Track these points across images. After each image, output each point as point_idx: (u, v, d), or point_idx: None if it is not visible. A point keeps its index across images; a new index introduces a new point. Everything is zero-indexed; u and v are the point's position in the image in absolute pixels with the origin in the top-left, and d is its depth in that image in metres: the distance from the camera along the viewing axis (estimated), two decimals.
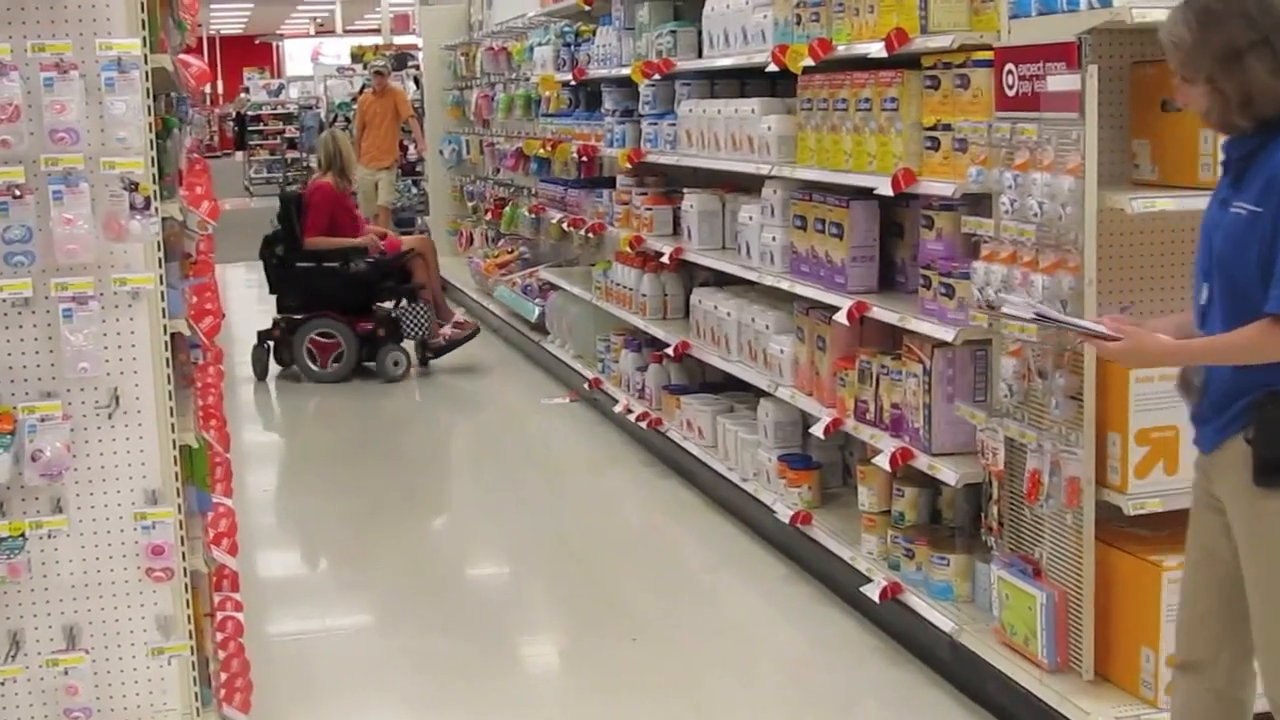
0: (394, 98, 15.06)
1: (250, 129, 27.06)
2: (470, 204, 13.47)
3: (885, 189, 4.55)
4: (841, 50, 4.89)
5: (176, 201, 3.92)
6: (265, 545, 6.23)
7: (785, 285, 5.48)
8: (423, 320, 9.58)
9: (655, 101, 7.01)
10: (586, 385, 8.19)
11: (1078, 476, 3.83)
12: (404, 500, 6.99)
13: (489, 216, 12.30)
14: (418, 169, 16.13)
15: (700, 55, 6.40)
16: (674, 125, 6.66)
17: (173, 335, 3.77)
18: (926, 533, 4.75)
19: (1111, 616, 3.90)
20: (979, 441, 4.20)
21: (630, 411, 7.37)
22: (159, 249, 3.67)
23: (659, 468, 7.07)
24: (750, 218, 5.87)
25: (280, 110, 26.57)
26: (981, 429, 4.18)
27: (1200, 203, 3.20)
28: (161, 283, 3.68)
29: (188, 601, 3.79)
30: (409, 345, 9.59)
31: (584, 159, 8.33)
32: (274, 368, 9.61)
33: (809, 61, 5.03)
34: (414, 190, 16.11)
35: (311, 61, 32.55)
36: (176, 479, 3.75)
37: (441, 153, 14.40)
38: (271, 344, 9.51)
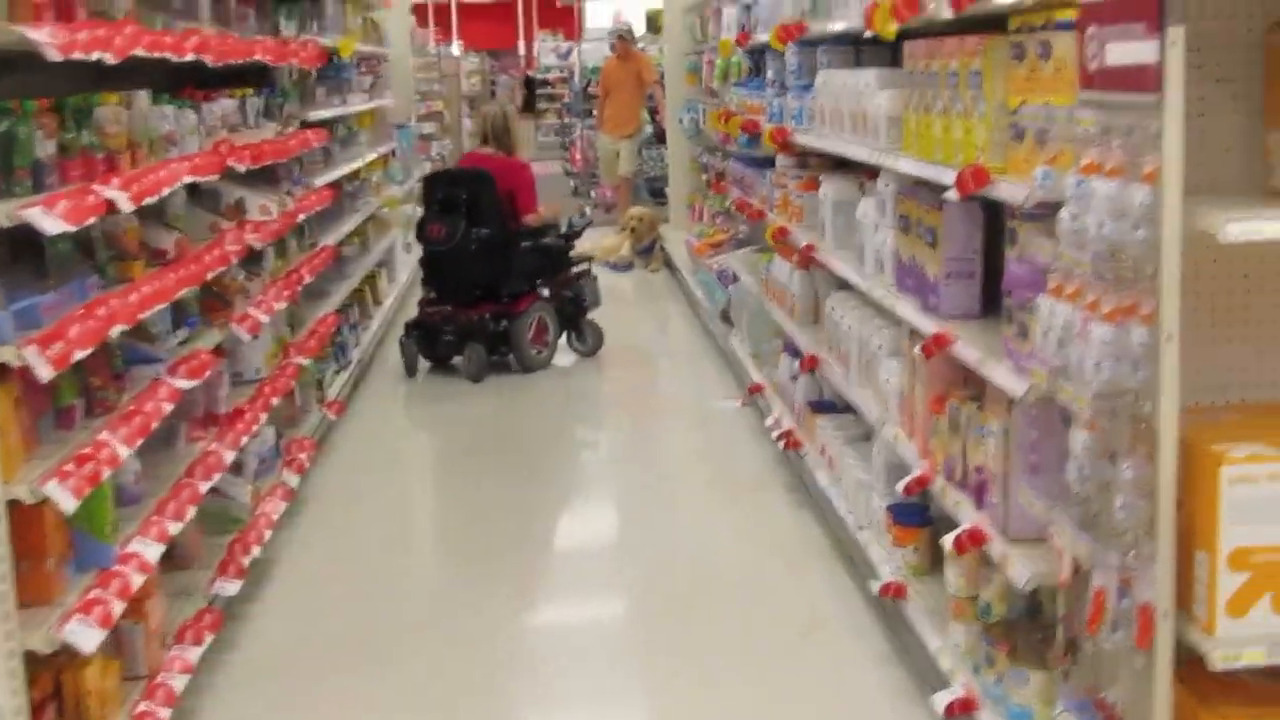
0: (637, 64, 14.33)
1: (540, 93, 26.83)
2: (704, 177, 12.62)
3: (952, 190, 3.49)
4: (930, 9, 3.82)
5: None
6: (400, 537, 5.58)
7: (889, 301, 4.45)
8: (597, 292, 9.03)
9: (800, 71, 6.00)
10: (748, 390, 7.27)
11: (1151, 605, 2.73)
12: (523, 506, 6.28)
13: (711, 191, 11.43)
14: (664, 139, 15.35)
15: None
16: (812, 100, 5.65)
17: None
18: (1015, 634, 3.67)
19: None
20: (1049, 537, 3.13)
21: (778, 426, 6.43)
22: None
23: (799, 495, 6.10)
24: (865, 214, 4.84)
25: (568, 74, 26.22)
26: (1048, 522, 3.11)
27: None
28: None
29: (14, 691, 3.10)
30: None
31: (749, 135, 7.35)
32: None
33: (894, 24, 3.98)
34: (661, 161, 15.31)
35: (611, 22, 32.09)
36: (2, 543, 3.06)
37: (681, 121, 13.55)
38: (417, 335, 8.77)
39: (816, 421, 5.80)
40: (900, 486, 4.13)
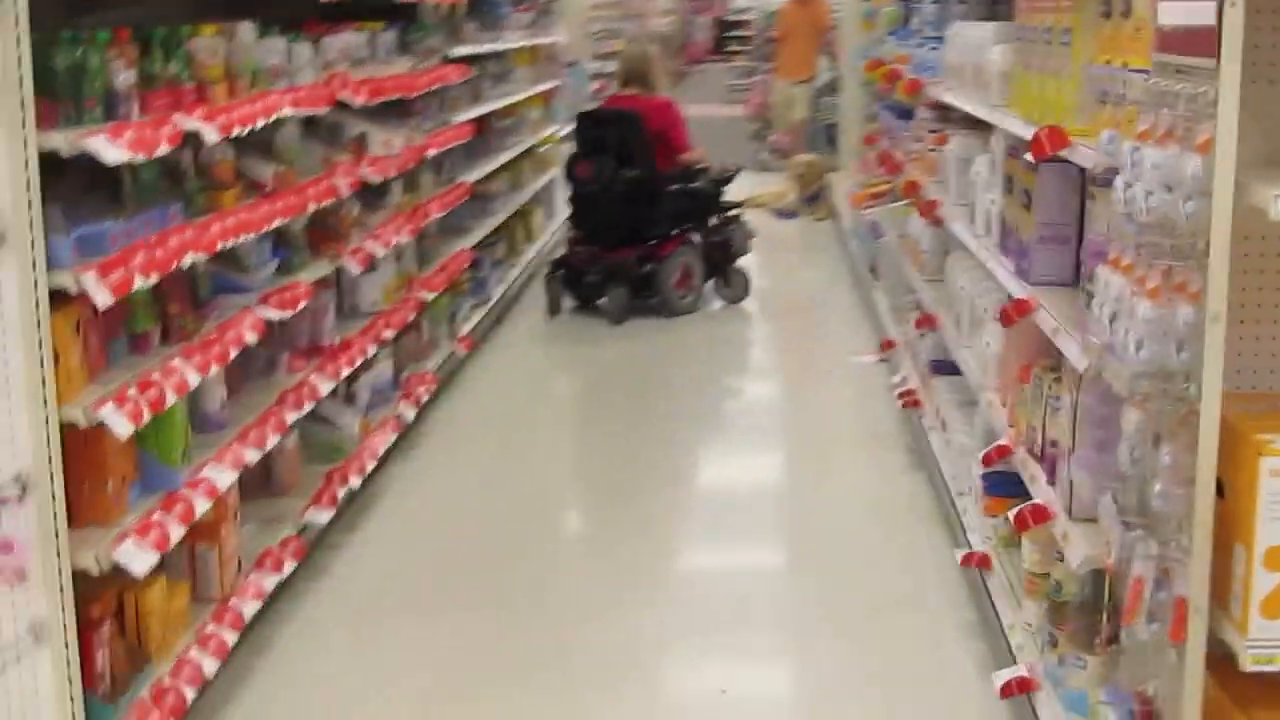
0: (815, 8, 14.09)
1: (730, 35, 26.58)
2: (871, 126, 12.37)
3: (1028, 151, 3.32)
4: None
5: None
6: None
7: (992, 262, 4.29)
8: (749, 235, 8.95)
9: (939, 22, 5.80)
10: (880, 346, 7.12)
11: (1186, 598, 2.58)
12: (643, 451, 6.28)
13: (866, 143, 11.19)
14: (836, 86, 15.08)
15: None
16: (945, 51, 5.46)
17: (52, 293, 3.13)
18: (1082, 615, 3.51)
19: None
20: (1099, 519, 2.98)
21: (903, 384, 6.29)
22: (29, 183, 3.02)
23: (916, 456, 5.96)
24: (979, 172, 4.67)
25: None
26: (1095, 504, 2.96)
27: None
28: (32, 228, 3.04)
29: (60, 606, 3.18)
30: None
31: (892, 86, 7.14)
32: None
33: None
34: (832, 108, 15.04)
35: None
36: (50, 463, 3.13)
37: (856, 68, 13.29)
38: (563, 274, 8.77)
39: (933, 382, 5.65)
40: (981, 455, 3.98)
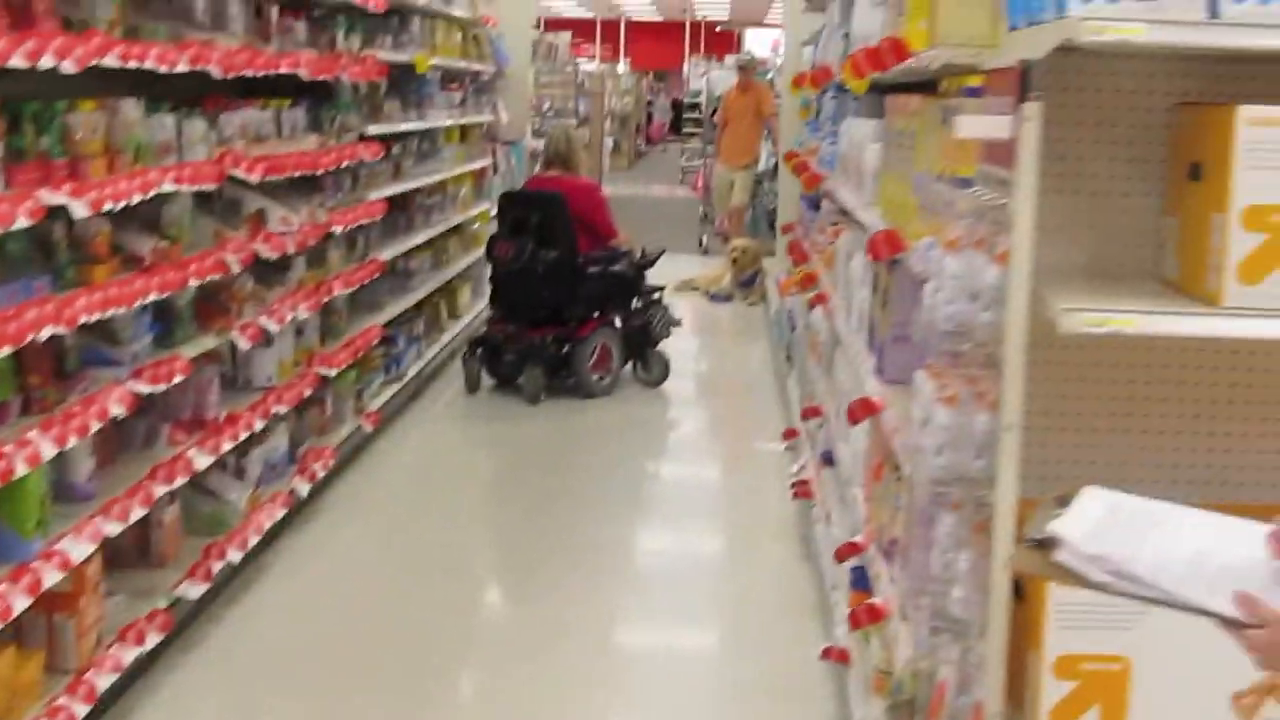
0: (757, 95, 14.27)
1: (688, 116, 26.93)
2: None
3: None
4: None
5: None
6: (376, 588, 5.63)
7: (859, 359, 4.35)
8: (670, 320, 9.01)
9: (837, 115, 5.91)
10: (784, 435, 7.18)
11: (983, 706, 2.62)
12: (539, 534, 6.24)
13: (784, 232, 11.34)
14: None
15: None
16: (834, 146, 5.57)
17: None
18: (916, 715, 3.54)
19: None
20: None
21: (801, 474, 6.34)
22: None
23: (805, 546, 6.00)
24: (855, 268, 4.74)
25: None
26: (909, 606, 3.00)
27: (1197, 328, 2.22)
28: None
29: None
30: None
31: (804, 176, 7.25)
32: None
33: (856, 79, 3.89)
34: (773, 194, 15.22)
35: (770, 52, 32.05)
36: None
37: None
38: (482, 353, 8.82)
39: (823, 474, 5.70)
40: (835, 551, 4.03)
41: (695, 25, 40.13)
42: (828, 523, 5.43)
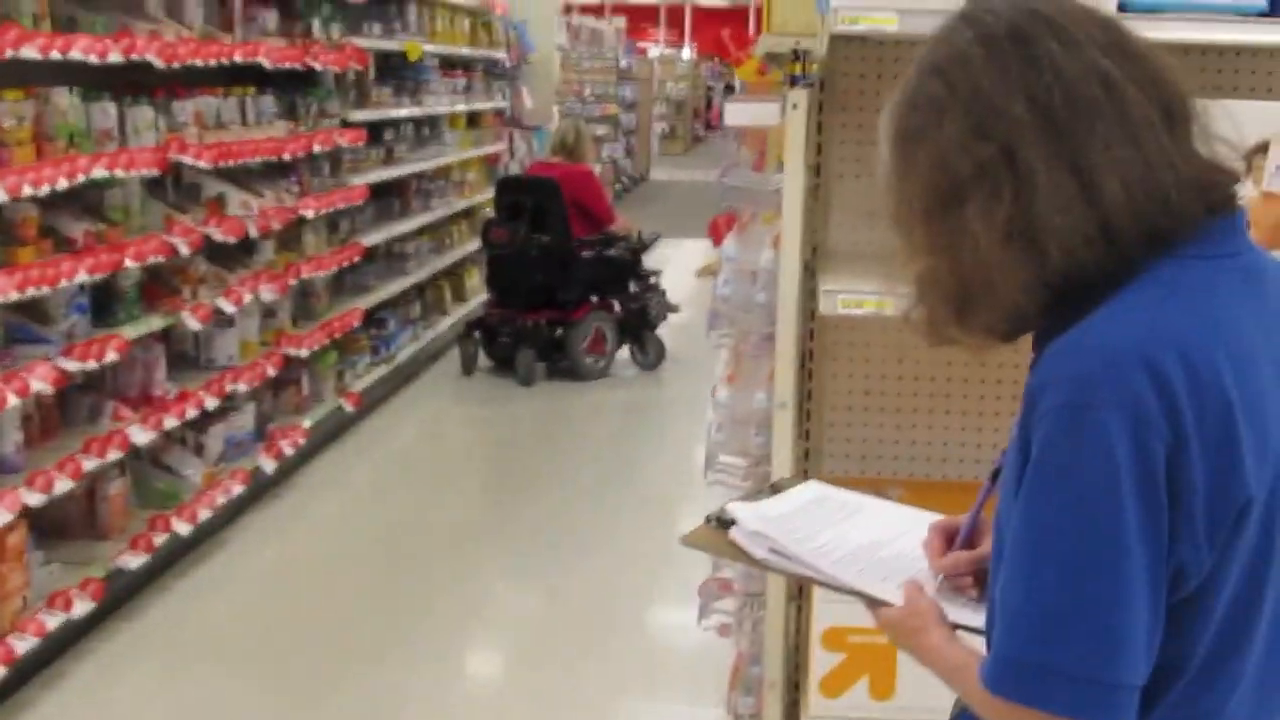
0: None
1: None
2: None
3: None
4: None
5: None
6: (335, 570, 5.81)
7: None
8: (665, 305, 9.11)
9: None
10: None
11: (761, 677, 2.73)
12: (508, 521, 6.38)
13: None
14: None
15: None
16: None
17: None
18: None
19: None
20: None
21: None
22: None
23: None
24: None
25: None
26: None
27: None
28: None
29: None
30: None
31: None
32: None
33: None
34: None
35: None
36: None
37: None
38: (479, 335, 8.97)
39: None
40: None
41: (759, 11, 39.97)
42: None
